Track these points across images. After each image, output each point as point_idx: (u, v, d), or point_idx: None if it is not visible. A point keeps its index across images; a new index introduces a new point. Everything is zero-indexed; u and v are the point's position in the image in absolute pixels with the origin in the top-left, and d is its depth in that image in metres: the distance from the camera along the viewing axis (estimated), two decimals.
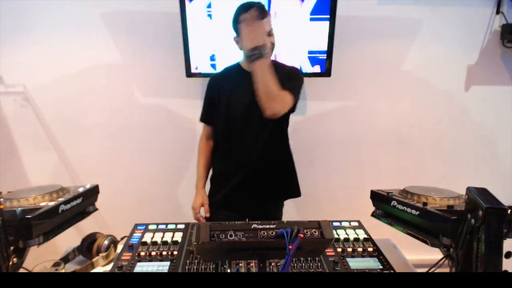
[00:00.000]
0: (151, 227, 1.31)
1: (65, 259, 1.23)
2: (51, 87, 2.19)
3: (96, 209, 1.26)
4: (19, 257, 0.95)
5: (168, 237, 1.24)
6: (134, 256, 1.12)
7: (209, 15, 1.96)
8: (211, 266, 1.08)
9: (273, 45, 1.50)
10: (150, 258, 1.12)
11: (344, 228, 1.32)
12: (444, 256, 1.04)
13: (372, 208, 1.25)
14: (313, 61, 2.03)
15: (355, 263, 1.11)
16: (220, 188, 1.71)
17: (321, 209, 2.40)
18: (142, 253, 1.13)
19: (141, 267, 1.08)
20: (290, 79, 1.51)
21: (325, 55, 2.01)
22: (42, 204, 1.02)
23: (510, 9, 2.10)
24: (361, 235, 1.27)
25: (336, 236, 1.25)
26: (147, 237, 1.23)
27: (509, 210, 0.85)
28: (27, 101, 2.20)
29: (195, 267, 1.08)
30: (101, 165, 2.33)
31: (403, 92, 2.27)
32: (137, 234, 1.26)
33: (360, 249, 1.18)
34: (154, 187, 2.38)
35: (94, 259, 1.21)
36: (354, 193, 2.18)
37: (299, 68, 1.68)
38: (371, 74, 2.23)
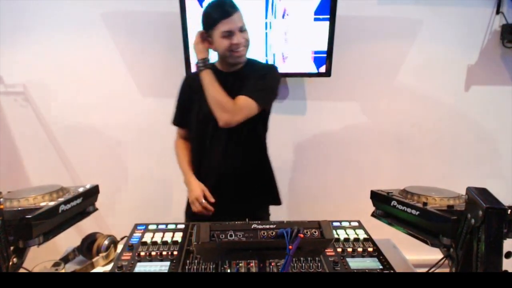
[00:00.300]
0: (151, 227, 1.31)
1: (65, 259, 1.23)
2: (51, 87, 2.19)
3: (96, 209, 1.25)
4: (19, 257, 0.95)
5: (168, 237, 1.23)
6: (134, 256, 1.12)
7: None
8: (211, 266, 1.08)
9: (247, 41, 1.45)
10: (150, 258, 1.12)
11: (344, 228, 1.32)
12: (444, 256, 1.04)
13: (372, 208, 1.25)
14: (317, 61, 2.03)
15: (355, 263, 1.11)
16: None
17: (321, 209, 2.40)
18: (142, 253, 1.13)
19: (141, 267, 1.08)
20: (264, 79, 1.47)
21: (325, 55, 2.01)
22: (42, 204, 1.02)
23: (510, 9, 2.10)
24: (361, 235, 1.27)
25: (336, 236, 1.25)
26: (147, 237, 1.23)
27: (509, 210, 0.85)
28: (27, 101, 2.20)
29: (195, 267, 1.07)
30: (101, 165, 2.33)
31: (403, 92, 2.27)
32: (137, 234, 1.26)
33: (360, 249, 1.18)
34: (154, 187, 2.38)
35: (94, 259, 1.20)
36: (354, 193, 2.18)
37: (276, 67, 1.61)
38: (371, 74, 2.23)
